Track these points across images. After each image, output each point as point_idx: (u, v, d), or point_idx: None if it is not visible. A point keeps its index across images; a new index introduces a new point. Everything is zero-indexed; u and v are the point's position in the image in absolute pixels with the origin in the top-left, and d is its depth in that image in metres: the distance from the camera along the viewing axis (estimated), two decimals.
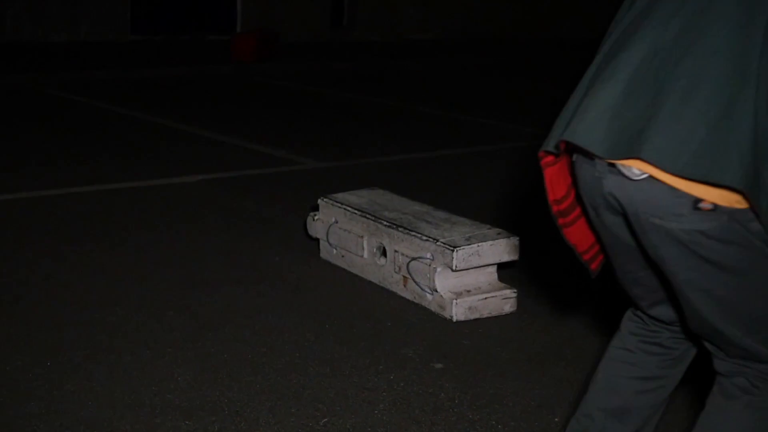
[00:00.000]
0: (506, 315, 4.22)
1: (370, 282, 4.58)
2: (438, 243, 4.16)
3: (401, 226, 4.38)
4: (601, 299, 4.45)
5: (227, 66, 12.67)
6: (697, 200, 1.96)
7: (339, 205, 4.75)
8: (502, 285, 4.29)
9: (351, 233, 4.64)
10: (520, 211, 6.02)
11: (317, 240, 4.95)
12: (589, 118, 2.07)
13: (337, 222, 4.76)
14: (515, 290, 4.26)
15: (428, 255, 4.21)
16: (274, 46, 13.58)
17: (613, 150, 2.02)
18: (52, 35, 13.94)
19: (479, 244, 4.14)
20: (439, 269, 4.16)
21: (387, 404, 3.37)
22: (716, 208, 1.96)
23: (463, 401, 3.40)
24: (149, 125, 8.65)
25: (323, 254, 4.90)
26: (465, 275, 4.21)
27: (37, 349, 3.68)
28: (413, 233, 4.30)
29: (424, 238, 4.23)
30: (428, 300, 4.24)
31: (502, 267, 4.34)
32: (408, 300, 4.36)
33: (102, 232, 5.26)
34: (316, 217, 4.91)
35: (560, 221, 2.31)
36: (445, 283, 4.18)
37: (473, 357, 3.78)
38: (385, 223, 4.46)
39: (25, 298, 4.23)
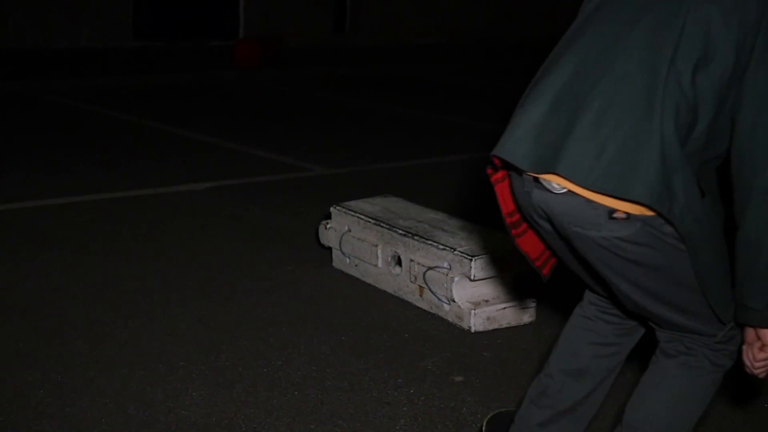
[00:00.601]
0: (525, 325, 4.14)
1: (385, 292, 4.49)
2: (455, 252, 4.07)
3: (417, 235, 4.29)
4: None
5: (230, 72, 12.60)
6: (612, 211, 2.16)
7: (352, 213, 4.67)
8: (521, 294, 4.20)
9: (365, 242, 4.56)
10: None
11: (329, 249, 4.87)
12: (516, 135, 2.27)
13: (350, 230, 4.67)
14: (534, 300, 4.17)
15: (445, 264, 4.12)
16: (277, 52, 13.51)
17: (536, 165, 2.21)
18: (54, 41, 13.87)
19: (498, 252, 4.04)
20: (456, 279, 4.07)
21: (408, 419, 3.28)
22: (629, 216, 2.15)
23: (486, 416, 3.30)
24: (154, 132, 8.57)
25: (336, 263, 4.82)
26: (482, 285, 4.12)
27: (47, 364, 3.59)
28: (429, 242, 4.21)
29: (441, 247, 4.14)
30: (445, 310, 4.15)
31: None
32: (424, 310, 4.27)
33: (110, 242, 5.17)
34: (328, 226, 4.82)
35: (513, 233, 2.48)
36: (462, 292, 4.09)
37: (494, 369, 3.69)
38: (400, 231, 4.38)
39: (34, 310, 4.14)
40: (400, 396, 3.44)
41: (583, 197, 2.17)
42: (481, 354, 3.84)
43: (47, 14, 13.74)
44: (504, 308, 4.08)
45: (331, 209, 4.81)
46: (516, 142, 2.25)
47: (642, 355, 2.74)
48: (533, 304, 4.16)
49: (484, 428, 2.98)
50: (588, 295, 2.73)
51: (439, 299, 4.16)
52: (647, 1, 2.21)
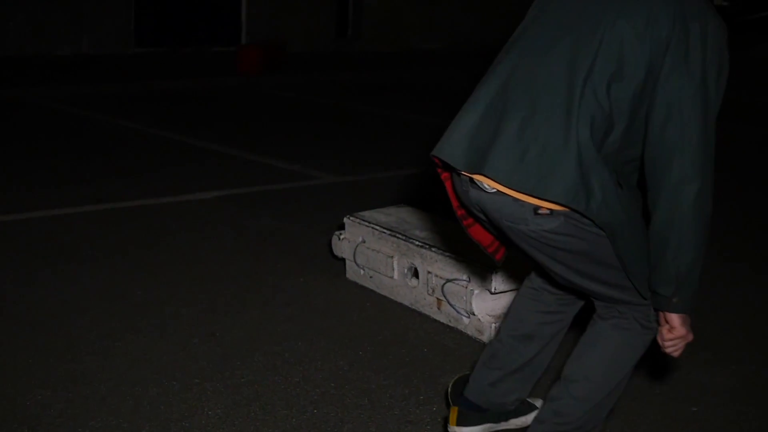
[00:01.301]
0: None
1: (401, 304, 4.39)
2: (476, 264, 3.96)
3: (434, 246, 4.19)
4: None
5: (234, 78, 12.50)
6: (537, 207, 2.45)
7: (366, 223, 4.56)
8: None
9: (380, 253, 4.45)
10: None
11: (343, 260, 4.77)
12: (453, 138, 2.57)
13: (364, 241, 4.56)
14: None
15: (464, 277, 4.02)
16: (281, 58, 13.42)
17: (468, 166, 2.51)
18: (56, 49, 13.76)
19: (519, 264, 3.94)
20: (476, 291, 3.97)
21: None
22: (552, 212, 2.44)
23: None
24: (158, 140, 8.47)
25: (350, 275, 4.71)
26: (502, 297, 4.01)
27: (57, 382, 3.48)
28: (448, 254, 4.10)
29: (460, 259, 4.04)
30: (464, 323, 4.05)
31: None
32: (442, 323, 4.16)
33: (117, 254, 5.06)
34: (341, 236, 4.72)
35: (464, 223, 2.78)
36: (482, 305, 3.99)
37: None
38: (416, 242, 4.27)
39: (43, 325, 4.03)
40: (423, 414, 3.34)
41: (511, 196, 2.46)
42: None
43: (48, 21, 13.64)
44: None
45: (345, 219, 4.70)
46: (452, 145, 2.56)
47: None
48: None
49: (449, 390, 3.19)
50: (535, 268, 2.96)
51: (458, 312, 4.06)
52: (573, 19, 2.48)
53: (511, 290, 3.97)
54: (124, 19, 14.23)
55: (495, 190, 2.48)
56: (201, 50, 14.81)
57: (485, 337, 3.94)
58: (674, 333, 2.50)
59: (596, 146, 2.38)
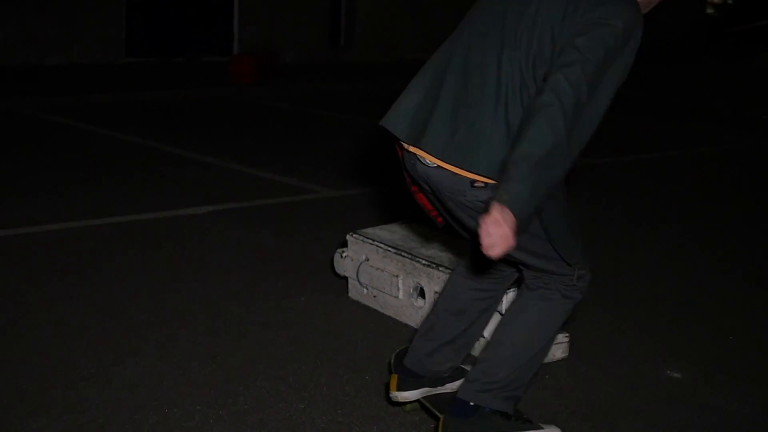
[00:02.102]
0: (557, 361, 3.91)
1: (406, 325, 4.26)
2: None
3: (442, 266, 4.07)
4: (657, 336, 4.15)
5: (226, 88, 12.36)
6: (473, 181, 2.71)
7: (370, 241, 4.44)
8: None
9: (384, 272, 4.33)
10: None
11: (345, 278, 4.64)
12: (398, 111, 2.88)
13: (368, 260, 4.44)
14: (567, 334, 3.95)
15: None
16: (274, 68, 13.29)
17: (409, 138, 2.82)
18: (46, 58, 13.61)
19: None
20: None
21: None
22: (487, 185, 2.68)
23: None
24: (150, 151, 8.33)
25: (352, 294, 4.59)
26: None
27: (53, 409, 3.35)
28: None
29: None
30: (474, 346, 3.91)
31: None
32: None
33: (112, 271, 4.92)
34: (344, 254, 4.59)
35: (412, 189, 3.05)
36: (491, 327, 3.86)
37: (530, 411, 3.45)
38: (423, 261, 4.15)
39: (37, 347, 3.89)
40: None
41: (450, 170, 2.72)
42: None
43: (38, 30, 13.48)
44: None
45: (348, 237, 4.58)
46: (397, 117, 2.86)
47: None
48: (566, 339, 3.93)
49: (392, 360, 3.41)
50: (470, 249, 3.11)
51: None
52: (504, 8, 2.76)
53: None
54: (114, 28, 14.09)
55: (436, 165, 2.75)
56: (193, 60, 14.66)
57: None
58: (498, 229, 2.47)
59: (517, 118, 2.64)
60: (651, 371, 3.84)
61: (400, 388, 3.27)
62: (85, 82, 12.26)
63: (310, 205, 6.55)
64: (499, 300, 3.27)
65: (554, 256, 2.89)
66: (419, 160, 2.81)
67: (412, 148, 2.82)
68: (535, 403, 3.53)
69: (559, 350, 3.91)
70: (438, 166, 2.75)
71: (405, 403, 3.37)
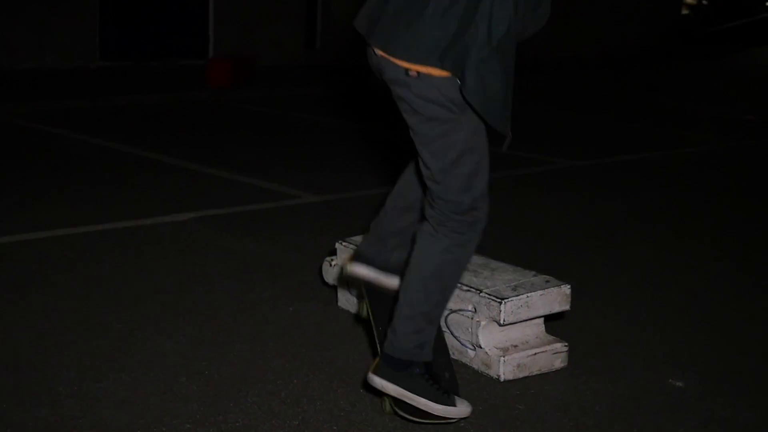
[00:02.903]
0: (556, 371, 3.80)
1: None
2: (482, 294, 3.72)
3: None
4: (655, 343, 4.05)
5: (203, 92, 12.21)
6: (407, 70, 3.00)
7: None
8: (551, 338, 3.86)
9: None
10: (537, 245, 5.61)
11: (334, 287, 4.51)
12: (362, 12, 3.22)
13: None
14: (566, 344, 3.84)
15: (470, 307, 3.78)
16: (250, 71, 13.14)
17: (365, 34, 3.16)
18: (18, 62, 13.38)
19: (528, 294, 3.71)
20: (483, 323, 3.73)
21: None
22: (419, 75, 2.97)
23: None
24: (127, 157, 8.17)
25: (342, 303, 4.46)
26: (510, 329, 3.78)
27: (36, 430, 3.20)
28: None
29: (465, 288, 3.79)
30: (470, 357, 3.81)
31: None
32: None
33: (92, 282, 4.77)
34: (333, 263, 4.46)
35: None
36: (489, 338, 3.75)
37: (533, 425, 3.34)
38: None
39: (18, 365, 3.73)
40: None
41: (392, 61, 3.03)
42: (515, 407, 3.49)
43: (10, 34, 13.26)
44: (535, 354, 3.74)
45: (336, 245, 4.45)
46: (360, 17, 3.23)
47: None
48: (565, 349, 3.82)
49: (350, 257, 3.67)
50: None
51: (463, 344, 3.82)
52: None
53: (521, 321, 3.74)
54: (88, 31, 13.88)
55: (381, 56, 3.09)
56: (168, 63, 14.48)
57: (493, 372, 3.70)
58: None
59: (458, 18, 2.90)
60: (653, 380, 3.74)
61: (353, 263, 3.63)
62: (59, 87, 12.07)
63: (293, 211, 6.42)
64: None
65: (456, 183, 3.08)
66: (373, 53, 3.14)
67: (371, 44, 3.16)
68: (537, 416, 3.42)
69: (557, 360, 3.80)
70: (382, 56, 3.07)
71: (360, 294, 3.81)
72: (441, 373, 3.40)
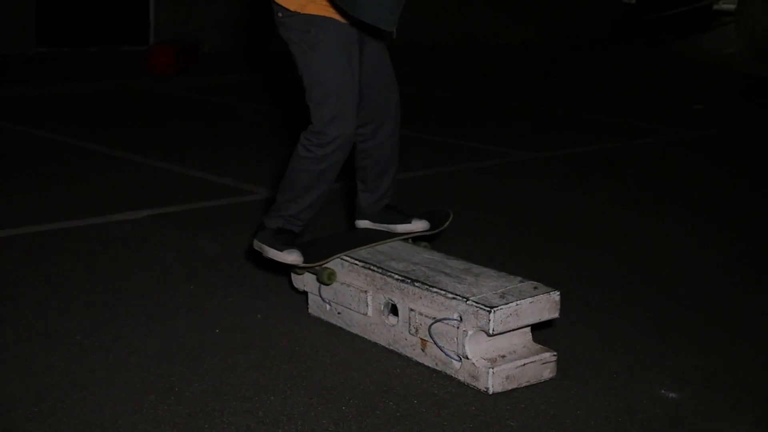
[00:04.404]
0: (546, 382, 3.63)
1: (376, 344, 3.94)
2: (469, 302, 3.54)
3: (418, 281, 3.75)
4: (645, 351, 3.90)
5: (145, 79, 11.84)
6: (277, 11, 3.85)
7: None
8: (539, 347, 3.69)
9: (351, 287, 3.99)
10: (510, 242, 5.45)
11: (303, 292, 4.29)
12: None
13: None
14: (555, 353, 3.67)
15: (455, 316, 3.59)
16: (194, 58, 12.80)
17: None
18: None
19: (517, 302, 3.53)
20: (470, 332, 3.54)
21: None
22: (282, 15, 3.87)
23: None
24: (72, 149, 7.83)
25: (313, 310, 4.24)
26: (498, 338, 3.61)
27: None
28: (435, 290, 3.67)
29: (450, 296, 3.60)
30: (455, 368, 3.62)
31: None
32: (427, 367, 3.73)
33: (43, 288, 4.49)
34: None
35: None
36: (477, 348, 3.57)
37: None
38: (396, 276, 3.82)
39: None
40: None
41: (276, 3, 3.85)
42: (507, 423, 3.31)
43: None
44: (524, 364, 3.57)
45: None
46: None
47: None
48: (554, 358, 3.66)
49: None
50: None
51: (448, 355, 3.63)
52: None
53: (511, 330, 3.57)
54: (24, 16, 13.38)
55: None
56: (108, 50, 14.04)
57: (481, 384, 3.52)
58: None
59: None
60: (645, 391, 3.59)
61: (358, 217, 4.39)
62: None
63: (250, 208, 6.16)
64: (382, 136, 4.11)
65: (317, 112, 3.89)
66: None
67: None
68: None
69: (546, 370, 3.63)
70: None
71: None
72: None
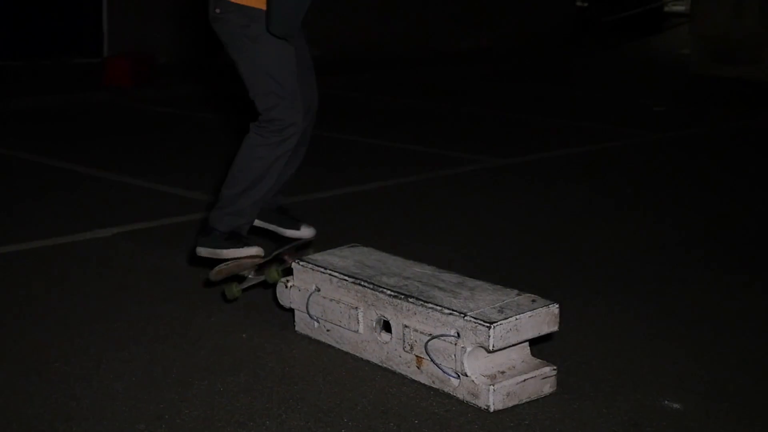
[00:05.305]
0: (546, 397, 3.54)
1: (368, 362, 3.82)
2: (467, 318, 3.43)
3: (411, 296, 3.64)
4: (643, 361, 3.82)
5: (101, 92, 11.59)
6: (214, 8, 3.99)
7: (321, 269, 3.98)
8: (538, 361, 3.60)
9: (341, 304, 3.87)
10: (492, 250, 5.35)
11: (290, 310, 4.17)
12: None
13: (319, 290, 3.98)
14: (554, 367, 3.58)
15: (452, 332, 3.48)
16: (150, 70, 12.57)
17: None
18: None
19: (517, 316, 3.43)
20: (469, 349, 3.44)
21: None
22: (220, 12, 3.99)
23: None
24: (31, 166, 7.61)
25: (300, 327, 4.12)
26: (496, 354, 3.50)
27: None
28: (430, 305, 3.56)
29: (447, 311, 3.50)
30: (453, 386, 3.51)
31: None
32: (424, 385, 3.62)
33: (15, 312, 4.33)
34: (290, 284, 4.12)
35: None
36: (476, 365, 3.47)
37: None
38: (388, 292, 3.71)
39: None
40: None
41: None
42: None
43: None
44: (524, 380, 3.47)
45: (293, 264, 4.11)
46: None
47: None
48: (554, 373, 3.56)
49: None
50: None
51: (446, 372, 3.52)
52: None
53: (510, 346, 3.47)
54: None
55: None
56: (61, 62, 13.76)
57: (481, 402, 3.42)
58: None
59: None
60: (648, 403, 3.51)
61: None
62: None
63: None
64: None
65: (255, 92, 4.04)
66: None
67: None
68: None
69: (546, 385, 3.54)
70: None
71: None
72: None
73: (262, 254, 4.18)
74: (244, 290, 4.33)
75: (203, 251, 4.18)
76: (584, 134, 9.77)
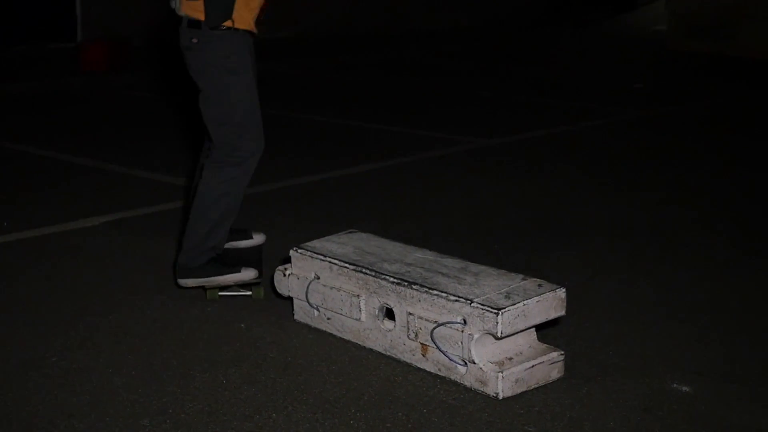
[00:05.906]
0: (555, 382, 3.50)
1: (371, 350, 3.77)
2: (474, 304, 3.38)
3: (415, 283, 3.58)
4: (649, 345, 3.79)
5: (78, 78, 11.44)
6: (191, 37, 4.10)
7: (320, 257, 3.91)
8: (545, 347, 3.56)
9: (342, 291, 3.81)
10: (488, 233, 5.31)
11: (288, 298, 4.10)
12: None
13: (318, 278, 3.92)
14: (562, 352, 3.54)
15: (459, 319, 3.43)
16: (127, 54, 12.41)
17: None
18: None
19: (525, 302, 3.39)
20: (476, 336, 3.39)
21: None
22: (200, 40, 4.05)
23: None
24: (13, 155, 7.49)
25: (299, 316, 4.06)
26: (503, 340, 3.46)
27: None
28: (435, 292, 3.51)
29: (452, 298, 3.45)
30: (460, 373, 3.47)
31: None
32: (429, 372, 3.57)
33: (9, 305, 4.24)
34: (288, 272, 4.05)
35: None
36: (484, 352, 3.42)
37: None
38: (391, 279, 3.65)
39: None
40: None
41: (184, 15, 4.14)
42: (525, 429, 3.17)
43: None
44: (532, 366, 3.43)
45: (291, 252, 4.04)
46: None
47: None
48: (561, 358, 3.52)
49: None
50: None
51: (452, 360, 3.47)
52: None
53: (518, 332, 3.42)
54: None
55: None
56: (35, 48, 13.56)
57: (490, 389, 3.38)
58: None
59: None
60: (657, 387, 3.48)
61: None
62: None
63: None
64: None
65: (225, 133, 4.01)
66: None
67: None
68: None
69: (554, 370, 3.50)
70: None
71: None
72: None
73: (259, 278, 4.23)
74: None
75: (190, 282, 4.19)
76: (568, 113, 9.72)
